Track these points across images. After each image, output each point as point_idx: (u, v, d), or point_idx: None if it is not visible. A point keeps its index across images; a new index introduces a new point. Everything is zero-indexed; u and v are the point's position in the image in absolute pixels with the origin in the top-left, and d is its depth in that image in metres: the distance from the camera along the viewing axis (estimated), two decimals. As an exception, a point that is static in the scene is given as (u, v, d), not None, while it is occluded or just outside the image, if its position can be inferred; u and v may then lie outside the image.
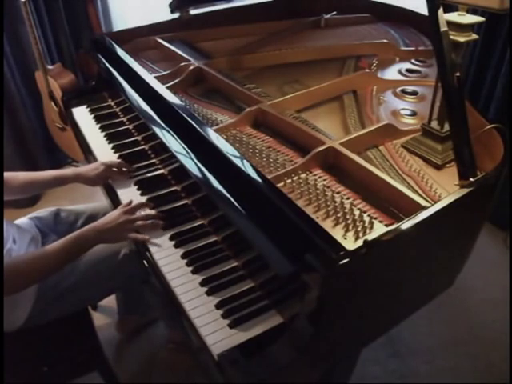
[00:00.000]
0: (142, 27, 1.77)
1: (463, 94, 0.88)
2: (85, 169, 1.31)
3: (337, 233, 0.86)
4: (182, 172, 1.14)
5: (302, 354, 0.81)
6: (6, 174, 1.23)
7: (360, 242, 0.77)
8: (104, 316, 1.79)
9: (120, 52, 1.56)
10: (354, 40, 1.66)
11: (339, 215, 0.90)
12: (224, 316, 0.90)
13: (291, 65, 1.55)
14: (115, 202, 1.26)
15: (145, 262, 1.08)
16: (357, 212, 0.91)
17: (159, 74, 1.49)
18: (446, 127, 1.06)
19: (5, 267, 0.96)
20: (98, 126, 1.56)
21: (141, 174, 1.31)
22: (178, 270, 1.01)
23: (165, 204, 1.18)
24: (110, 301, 1.68)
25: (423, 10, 0.83)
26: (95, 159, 1.42)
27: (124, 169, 1.32)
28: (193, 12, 1.57)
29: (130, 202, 1.15)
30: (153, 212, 1.15)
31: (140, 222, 1.09)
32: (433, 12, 0.81)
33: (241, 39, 1.69)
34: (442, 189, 0.97)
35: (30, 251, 1.15)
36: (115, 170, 1.30)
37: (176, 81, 1.42)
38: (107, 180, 1.31)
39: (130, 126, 1.51)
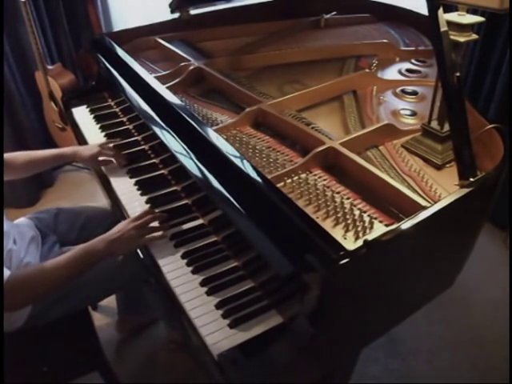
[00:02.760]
0: (141, 27, 1.77)
1: (463, 94, 0.88)
2: (82, 148, 1.37)
3: (337, 233, 0.86)
4: (182, 172, 1.14)
5: (301, 354, 0.81)
6: (6, 155, 1.26)
7: (360, 242, 0.77)
8: (104, 316, 1.79)
9: (120, 52, 1.56)
10: (353, 40, 1.66)
11: (339, 215, 0.90)
12: (224, 316, 0.90)
13: (291, 65, 1.55)
14: (115, 202, 1.26)
15: (145, 262, 1.08)
16: (357, 212, 0.91)
17: (159, 74, 1.49)
18: (446, 127, 1.06)
19: (14, 281, 0.95)
20: (98, 125, 1.56)
21: (141, 173, 1.31)
22: (177, 270, 1.01)
23: (165, 204, 1.18)
24: (110, 301, 1.68)
25: (423, 10, 0.83)
26: (97, 163, 1.42)
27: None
28: (193, 12, 1.57)
29: None
30: (158, 214, 1.13)
31: (149, 226, 1.07)
32: (433, 12, 0.81)
33: (241, 39, 1.69)
34: (442, 189, 0.97)
35: (39, 263, 1.13)
36: (109, 152, 1.34)
37: (176, 81, 1.42)
38: (101, 163, 1.36)
39: (130, 126, 1.51)
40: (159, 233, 1.08)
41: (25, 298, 1.01)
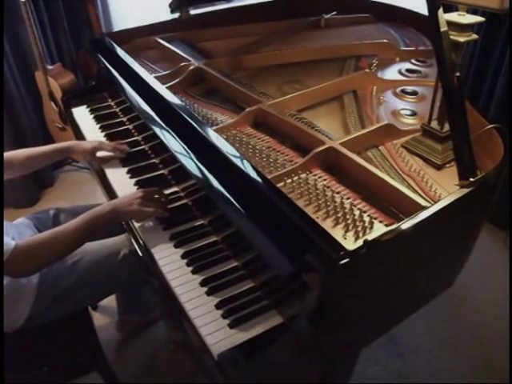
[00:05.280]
0: (141, 27, 1.77)
1: (463, 94, 0.88)
2: (80, 142, 1.40)
3: (337, 233, 0.86)
4: (182, 172, 1.14)
5: (302, 354, 0.81)
6: (6, 154, 1.28)
7: (360, 242, 0.77)
8: (104, 316, 1.79)
9: (120, 52, 1.56)
10: (353, 40, 1.66)
11: (339, 215, 0.90)
12: (224, 316, 0.90)
13: (291, 65, 1.55)
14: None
15: (145, 262, 1.08)
16: (357, 212, 0.91)
17: (159, 74, 1.49)
18: (446, 127, 1.06)
19: (22, 247, 0.98)
20: (98, 126, 1.56)
21: (141, 173, 1.31)
22: (178, 270, 1.01)
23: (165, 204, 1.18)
24: (110, 301, 1.68)
25: (423, 10, 0.83)
26: (96, 159, 1.42)
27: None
28: (193, 12, 1.57)
29: None
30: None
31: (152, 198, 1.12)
32: (433, 12, 0.81)
33: (241, 39, 1.69)
34: (442, 189, 0.97)
35: (50, 230, 1.14)
36: (109, 146, 1.36)
37: (176, 81, 1.42)
38: (100, 161, 1.37)
39: (130, 126, 1.51)
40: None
41: (35, 264, 1.03)
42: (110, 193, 1.30)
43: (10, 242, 0.98)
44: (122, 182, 1.30)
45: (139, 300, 1.65)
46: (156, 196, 1.15)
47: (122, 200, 1.11)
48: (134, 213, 1.10)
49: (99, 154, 1.37)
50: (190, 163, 1.08)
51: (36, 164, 1.38)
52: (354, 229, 0.87)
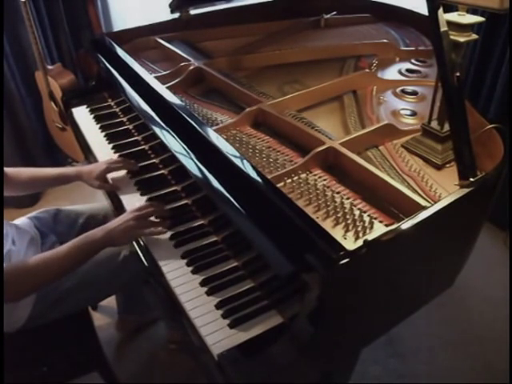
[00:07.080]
0: (141, 27, 1.77)
1: (463, 94, 0.88)
2: (87, 168, 1.30)
3: (337, 233, 0.86)
4: (181, 172, 1.14)
5: (302, 354, 0.81)
6: (9, 170, 1.24)
7: (360, 242, 0.77)
8: (104, 316, 1.79)
9: (120, 52, 1.56)
10: (353, 40, 1.66)
11: (339, 215, 0.90)
12: (224, 316, 0.90)
13: (291, 65, 1.55)
14: (115, 202, 1.26)
15: (145, 262, 1.08)
16: (357, 212, 0.91)
17: (159, 74, 1.49)
18: (446, 127, 1.06)
19: (15, 270, 0.96)
20: (98, 126, 1.56)
21: (141, 173, 1.31)
22: (178, 270, 1.01)
23: (165, 204, 1.18)
24: (110, 301, 1.68)
25: (423, 10, 0.83)
26: (95, 159, 1.42)
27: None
28: (193, 12, 1.57)
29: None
30: (159, 208, 1.12)
31: (149, 220, 1.08)
32: (433, 12, 0.81)
33: (241, 39, 1.69)
34: (442, 189, 0.97)
35: (40, 254, 1.13)
36: (118, 165, 1.29)
37: (176, 81, 1.42)
38: (108, 187, 1.30)
39: (130, 126, 1.51)
40: (159, 228, 1.09)
41: (25, 288, 1.01)
42: (111, 193, 1.30)
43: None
44: (122, 182, 1.30)
45: (139, 300, 1.65)
46: (151, 210, 1.08)
47: (115, 223, 1.05)
48: (130, 237, 1.07)
49: (109, 176, 1.30)
50: (190, 163, 1.08)
51: (37, 187, 1.35)
52: (354, 229, 0.87)
